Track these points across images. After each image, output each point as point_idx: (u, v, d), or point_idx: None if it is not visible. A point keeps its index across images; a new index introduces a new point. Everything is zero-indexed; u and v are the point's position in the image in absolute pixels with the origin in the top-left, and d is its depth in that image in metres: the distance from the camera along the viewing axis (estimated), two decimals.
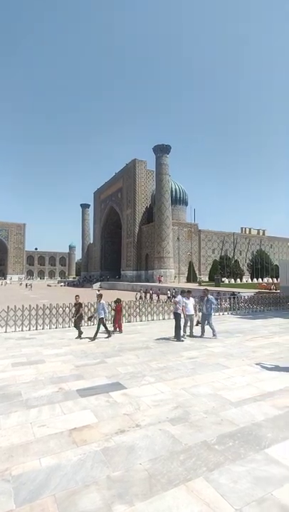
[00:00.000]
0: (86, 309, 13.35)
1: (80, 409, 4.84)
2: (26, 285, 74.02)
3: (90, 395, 5.43)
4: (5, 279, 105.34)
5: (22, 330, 12.57)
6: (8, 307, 12.76)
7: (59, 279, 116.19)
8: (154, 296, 30.22)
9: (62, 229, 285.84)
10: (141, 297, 27.80)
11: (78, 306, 11.58)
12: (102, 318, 10.93)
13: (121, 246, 75.78)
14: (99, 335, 10.72)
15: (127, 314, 14.70)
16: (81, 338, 10.72)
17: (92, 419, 4.48)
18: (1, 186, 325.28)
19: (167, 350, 8.91)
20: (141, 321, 15.46)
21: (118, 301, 12.73)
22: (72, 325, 12.08)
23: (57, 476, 3.15)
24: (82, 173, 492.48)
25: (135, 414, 4.67)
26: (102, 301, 11.14)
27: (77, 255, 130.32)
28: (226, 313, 17.80)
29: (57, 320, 13.55)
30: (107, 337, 10.83)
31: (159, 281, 54.35)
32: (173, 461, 3.42)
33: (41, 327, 13.05)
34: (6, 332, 12.05)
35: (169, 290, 32.13)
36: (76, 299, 11.92)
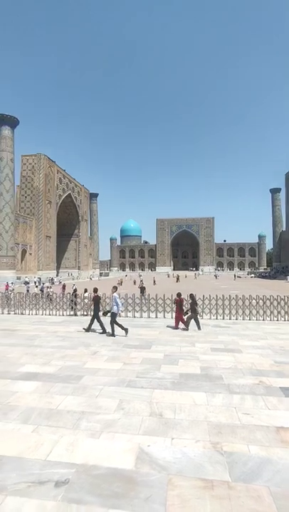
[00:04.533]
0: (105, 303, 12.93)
1: (285, 409, 4.55)
2: (216, 276, 77.69)
3: None
4: (197, 270, 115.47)
5: (216, 318, 13.41)
6: (203, 296, 13.93)
7: (249, 270, 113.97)
8: None
9: (250, 219, 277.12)
10: None
11: (97, 299, 10.83)
12: (114, 313, 10.05)
13: None
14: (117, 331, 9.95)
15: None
16: (106, 334, 10.11)
17: None
18: (190, 185, 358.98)
19: None
20: None
21: (179, 295, 11.73)
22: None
23: (269, 470, 3.11)
24: (269, 155, 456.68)
25: None
26: (115, 293, 10.34)
27: (268, 245, 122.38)
28: None
29: (250, 312, 13.44)
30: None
31: None
32: None
33: (234, 317, 13.39)
34: (202, 318, 13.20)
35: None
36: (95, 291, 11.16)
